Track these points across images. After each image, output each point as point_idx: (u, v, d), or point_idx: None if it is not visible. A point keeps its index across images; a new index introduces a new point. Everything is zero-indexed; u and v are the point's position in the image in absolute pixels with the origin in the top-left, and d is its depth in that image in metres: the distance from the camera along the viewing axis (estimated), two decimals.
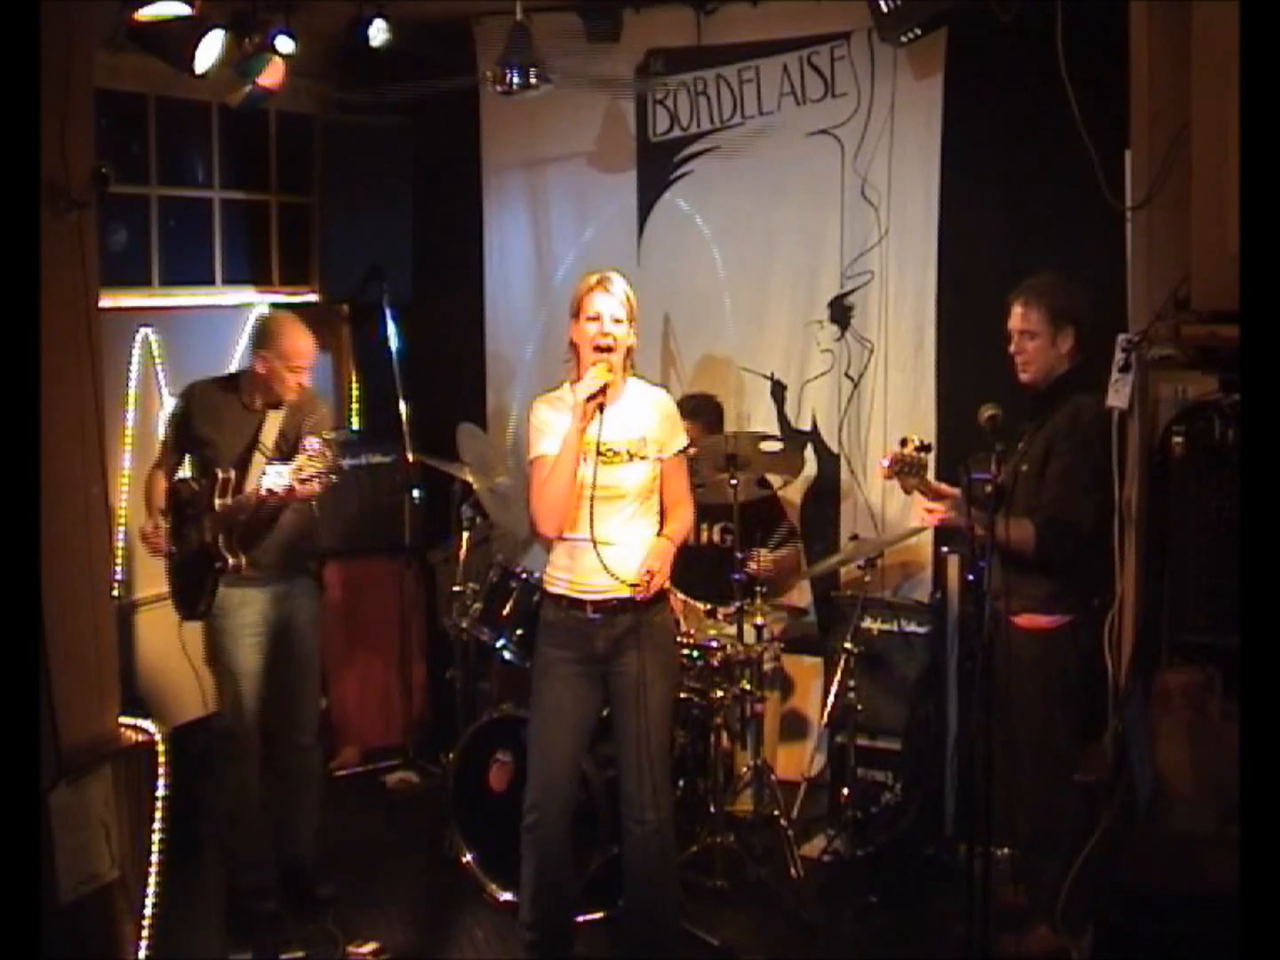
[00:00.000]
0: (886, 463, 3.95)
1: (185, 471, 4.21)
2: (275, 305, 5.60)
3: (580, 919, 3.99)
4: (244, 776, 4.15)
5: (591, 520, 3.49)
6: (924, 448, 3.89)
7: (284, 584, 4.19)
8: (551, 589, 3.68)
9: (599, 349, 3.53)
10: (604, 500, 3.54)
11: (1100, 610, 3.51)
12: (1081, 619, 3.71)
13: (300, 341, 4.17)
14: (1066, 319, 3.78)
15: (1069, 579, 3.73)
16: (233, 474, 4.07)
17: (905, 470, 3.89)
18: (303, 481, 3.83)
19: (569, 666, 3.64)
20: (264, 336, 4.16)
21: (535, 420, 3.64)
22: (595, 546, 3.47)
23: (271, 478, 3.81)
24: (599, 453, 3.52)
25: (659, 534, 3.65)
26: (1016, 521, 3.70)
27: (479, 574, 4.74)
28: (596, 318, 3.54)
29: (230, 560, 4.06)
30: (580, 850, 3.87)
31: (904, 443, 3.92)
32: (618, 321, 3.56)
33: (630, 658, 3.61)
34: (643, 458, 3.60)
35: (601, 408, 3.48)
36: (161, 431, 4.33)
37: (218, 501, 4.02)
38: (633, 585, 3.52)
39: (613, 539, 3.55)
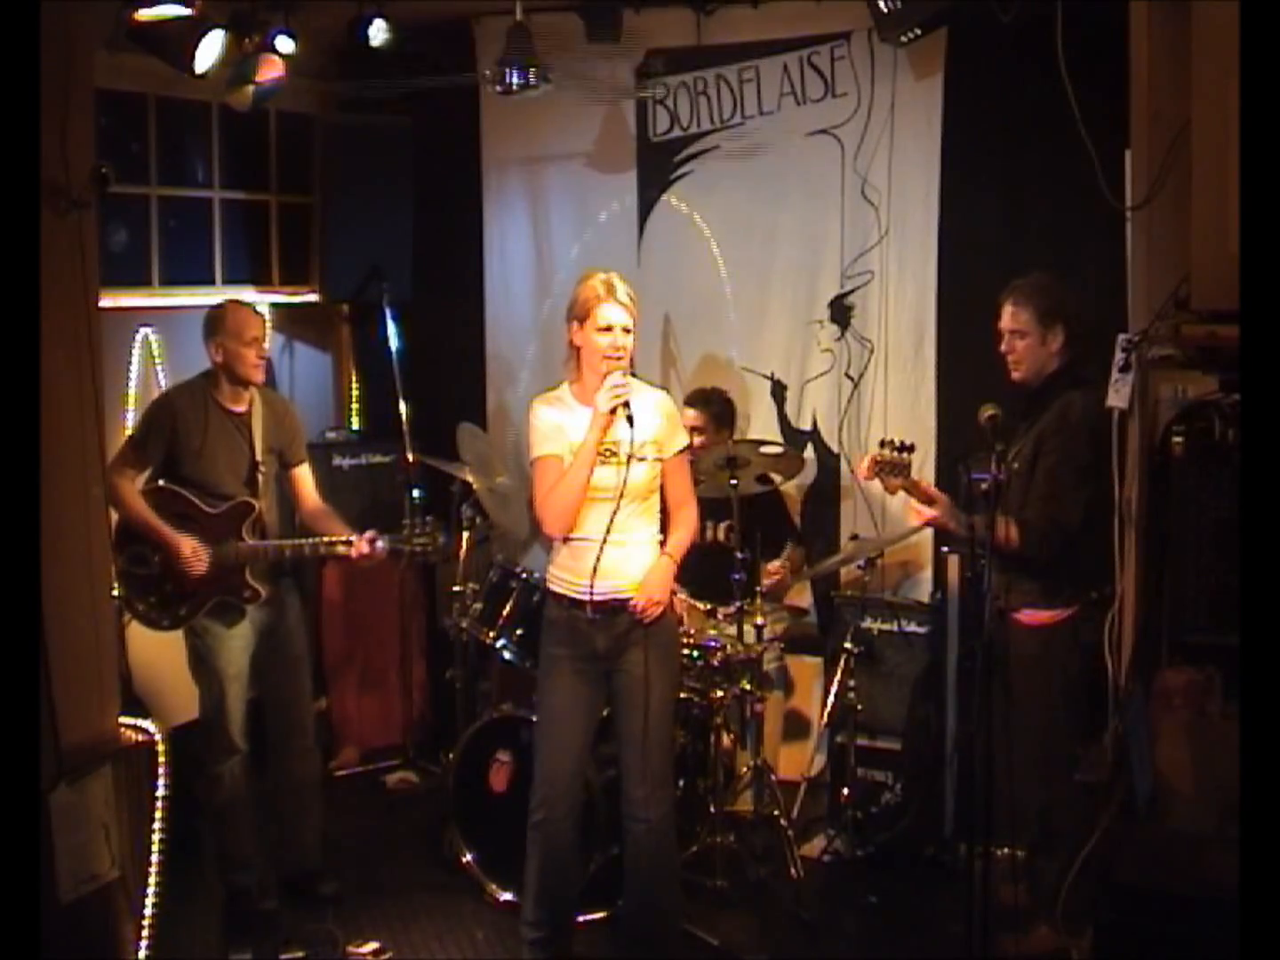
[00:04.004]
0: (865, 465, 3.97)
1: (145, 475, 4.15)
2: (275, 305, 5.61)
3: (581, 919, 3.99)
4: (231, 777, 4.14)
5: (611, 523, 3.53)
6: (904, 448, 3.90)
7: (268, 587, 4.18)
8: (553, 588, 3.69)
9: (610, 358, 3.55)
10: (603, 501, 3.56)
11: (1099, 603, 3.52)
12: (1082, 612, 3.71)
13: (246, 315, 4.19)
14: (1055, 317, 3.79)
15: (1064, 573, 3.74)
16: (259, 505, 4.12)
17: (886, 471, 3.91)
18: (403, 555, 4.16)
19: (572, 665, 3.65)
20: (211, 324, 4.16)
21: (536, 421, 3.64)
22: (602, 548, 3.52)
23: (367, 546, 4.08)
24: (599, 454, 3.55)
25: (662, 548, 3.68)
26: (1004, 519, 3.71)
27: (479, 574, 4.74)
28: (609, 328, 3.55)
29: (262, 591, 4.09)
30: (581, 850, 3.87)
31: (882, 444, 3.93)
32: (627, 331, 3.58)
33: (632, 656, 3.62)
34: (641, 459, 3.61)
35: (631, 420, 3.52)
36: (134, 432, 4.24)
37: (253, 541, 4.09)
38: (633, 609, 3.58)
39: (614, 539, 3.56)
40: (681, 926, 3.90)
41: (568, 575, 3.64)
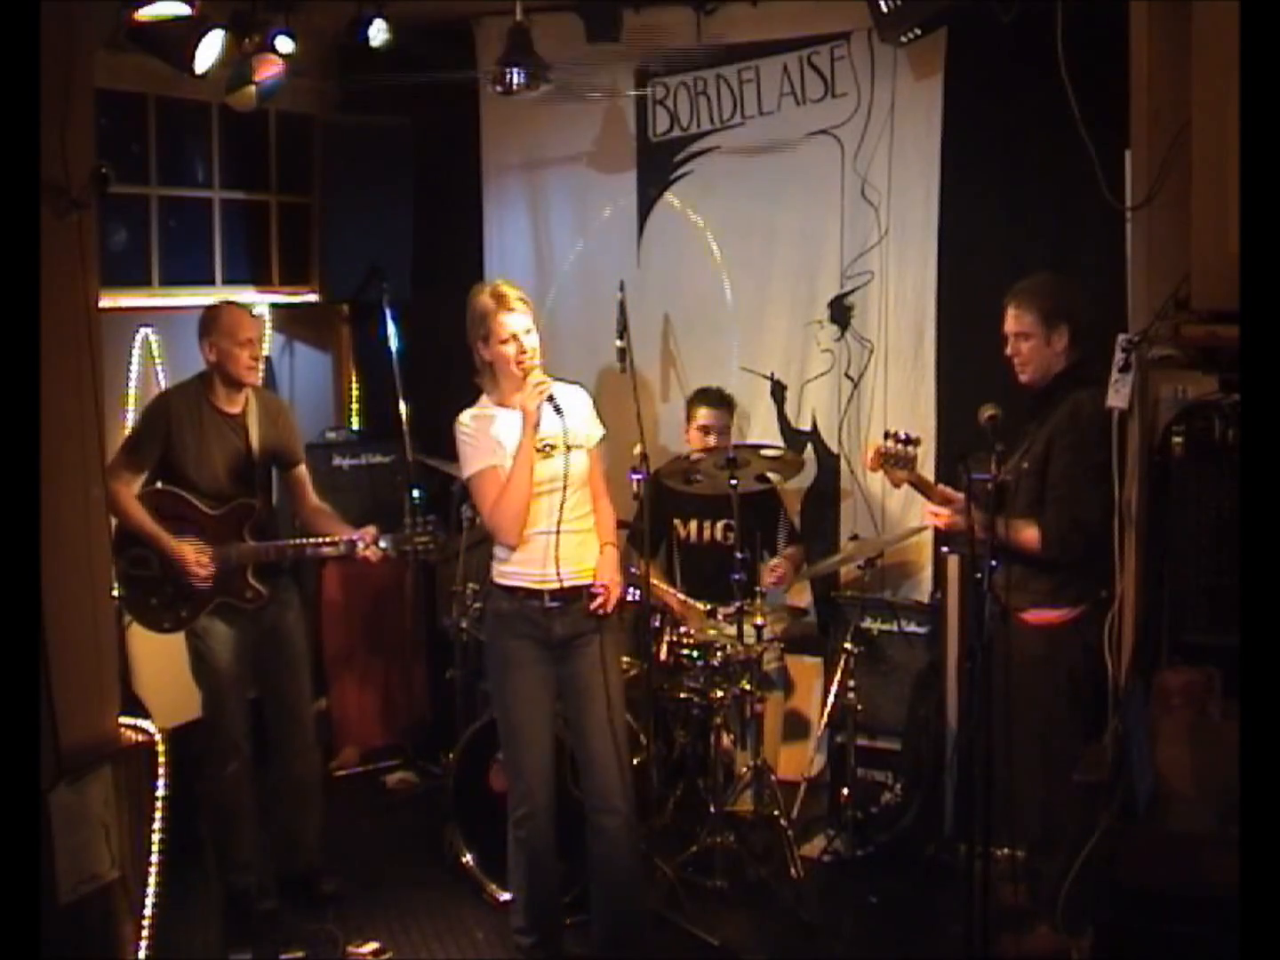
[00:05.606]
0: (869, 456, 4.02)
1: (142, 479, 4.14)
2: (275, 305, 5.61)
3: (575, 919, 3.98)
4: (232, 778, 4.14)
5: (562, 510, 3.63)
6: (909, 440, 3.93)
7: (268, 587, 4.18)
8: (504, 582, 3.73)
9: (521, 363, 3.61)
10: (550, 494, 3.64)
11: (1107, 601, 3.52)
12: (1088, 612, 3.71)
13: (239, 316, 4.19)
14: (1060, 317, 3.79)
15: (1075, 571, 3.74)
16: (257, 504, 4.12)
17: (891, 463, 3.95)
18: (404, 553, 4.13)
19: (530, 653, 3.69)
20: (205, 325, 4.17)
21: (466, 438, 3.68)
22: (558, 535, 3.61)
23: (363, 546, 4.08)
24: (539, 449, 3.63)
25: (601, 544, 3.76)
26: (1020, 521, 3.71)
27: (479, 574, 4.74)
28: (511, 338, 3.61)
29: (263, 593, 4.09)
30: (579, 853, 3.87)
31: (887, 435, 3.98)
32: (529, 333, 3.64)
33: (586, 643, 3.68)
34: (578, 447, 3.69)
35: (558, 409, 3.59)
36: (130, 436, 4.24)
37: (254, 542, 4.10)
38: (594, 600, 3.66)
39: (566, 527, 3.65)
40: (647, 907, 3.92)
41: (521, 568, 3.67)
